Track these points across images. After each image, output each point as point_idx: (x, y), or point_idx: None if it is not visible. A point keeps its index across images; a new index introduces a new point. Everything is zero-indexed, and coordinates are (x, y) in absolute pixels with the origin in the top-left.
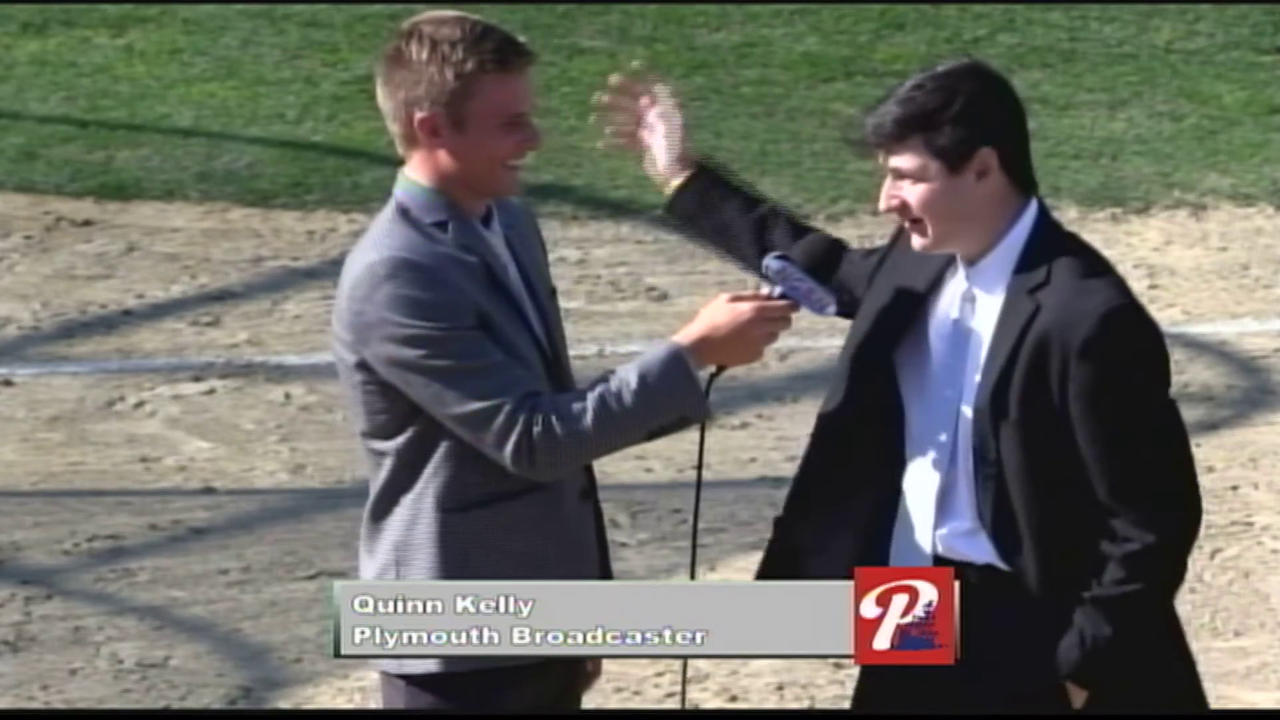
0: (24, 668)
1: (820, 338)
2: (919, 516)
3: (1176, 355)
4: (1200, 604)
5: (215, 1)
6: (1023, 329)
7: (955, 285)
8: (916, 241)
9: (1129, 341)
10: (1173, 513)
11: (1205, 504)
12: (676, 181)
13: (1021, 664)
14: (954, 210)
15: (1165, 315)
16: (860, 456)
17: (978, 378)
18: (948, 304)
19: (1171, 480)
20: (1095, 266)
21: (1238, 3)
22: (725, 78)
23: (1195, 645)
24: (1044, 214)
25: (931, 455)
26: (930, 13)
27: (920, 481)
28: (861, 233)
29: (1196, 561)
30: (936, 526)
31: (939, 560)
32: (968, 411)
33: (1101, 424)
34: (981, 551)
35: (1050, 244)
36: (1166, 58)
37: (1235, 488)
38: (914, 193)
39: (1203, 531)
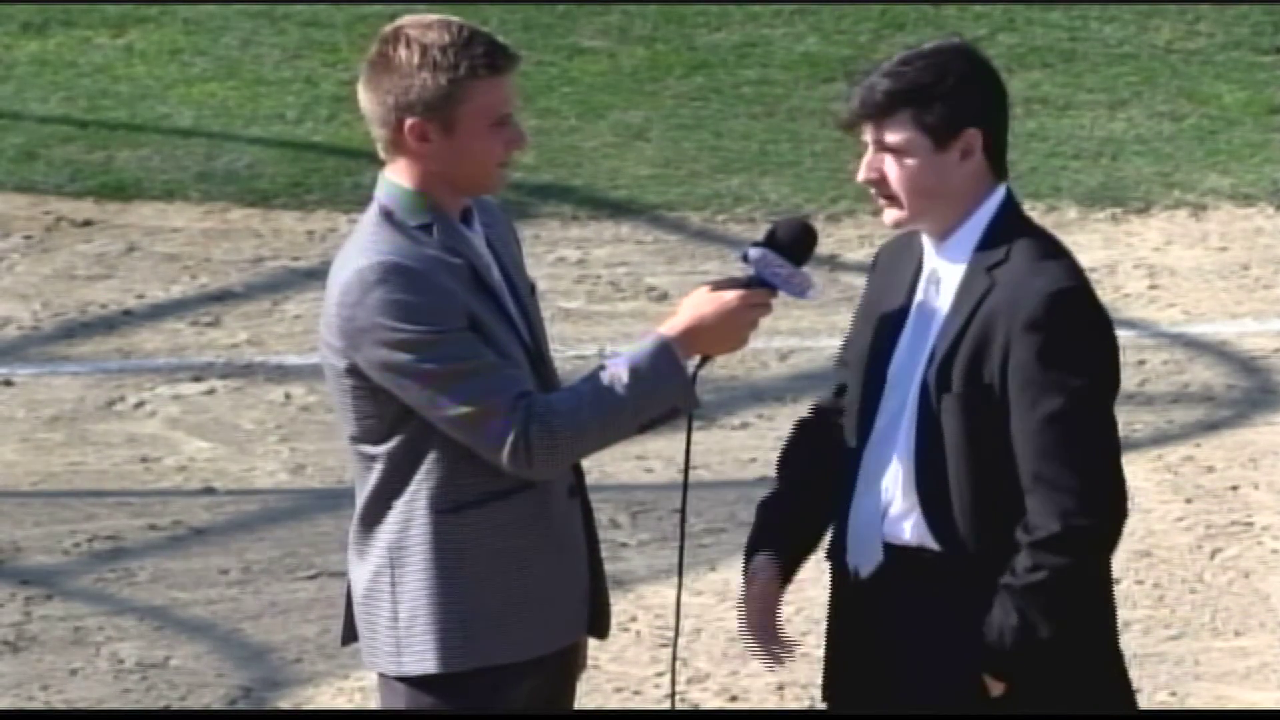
0: (24, 668)
1: (820, 338)
2: (869, 499)
3: (1176, 355)
4: (1200, 604)
5: (215, 1)
6: (975, 305)
7: (926, 268)
8: (889, 216)
9: (1071, 323)
10: (1088, 507)
11: (1205, 504)
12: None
13: (947, 651)
14: (933, 187)
15: (1165, 315)
16: (836, 446)
17: (928, 355)
18: (920, 287)
19: (1090, 475)
20: (1052, 249)
21: (1238, 3)
22: (725, 78)
23: (1195, 645)
24: (1011, 199)
25: (887, 437)
26: (930, 13)
27: (875, 463)
28: (862, 232)
29: (1196, 561)
30: (883, 508)
31: (888, 546)
32: (915, 388)
33: (1032, 403)
34: (912, 532)
35: (1012, 226)
36: (1166, 58)
37: (1235, 488)
38: (896, 166)
39: (1203, 531)
